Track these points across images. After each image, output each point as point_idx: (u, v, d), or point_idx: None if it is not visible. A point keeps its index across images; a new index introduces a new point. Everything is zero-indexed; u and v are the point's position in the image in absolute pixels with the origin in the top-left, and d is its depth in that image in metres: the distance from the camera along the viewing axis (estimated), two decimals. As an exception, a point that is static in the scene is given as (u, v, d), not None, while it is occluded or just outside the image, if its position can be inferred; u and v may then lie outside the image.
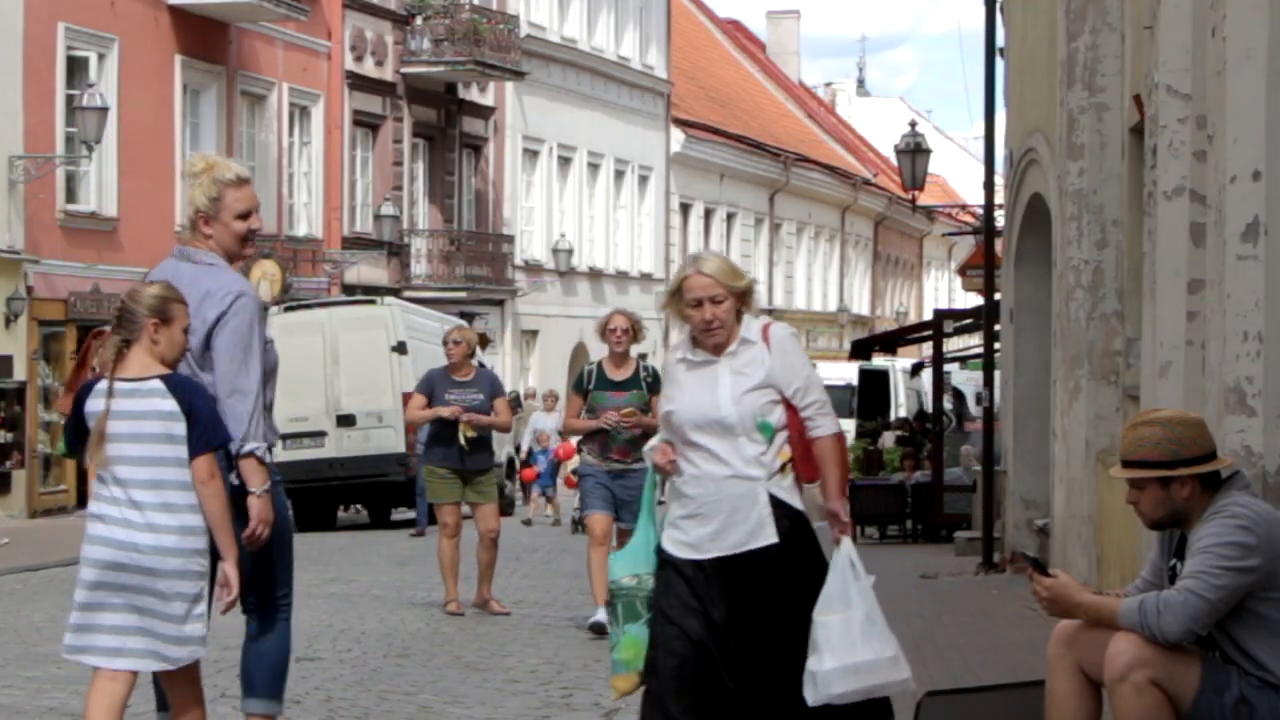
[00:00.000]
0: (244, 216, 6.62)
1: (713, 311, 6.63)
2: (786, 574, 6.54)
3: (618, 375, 12.19)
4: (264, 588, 6.66)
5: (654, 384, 12.15)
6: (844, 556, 6.55)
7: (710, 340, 6.69)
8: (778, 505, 6.59)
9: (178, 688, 6.42)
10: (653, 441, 6.90)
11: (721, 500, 6.57)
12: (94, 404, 6.36)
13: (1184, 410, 7.09)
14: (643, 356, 12.90)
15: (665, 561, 6.63)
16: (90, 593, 6.31)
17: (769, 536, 6.55)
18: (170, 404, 6.27)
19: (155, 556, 6.23)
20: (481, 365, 14.60)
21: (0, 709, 9.13)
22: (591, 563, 12.02)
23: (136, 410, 6.29)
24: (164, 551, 6.24)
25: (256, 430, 6.46)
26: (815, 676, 6.36)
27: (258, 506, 6.43)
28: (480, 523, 13.36)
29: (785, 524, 6.59)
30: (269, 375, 6.61)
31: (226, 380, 6.46)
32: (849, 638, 6.38)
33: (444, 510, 13.42)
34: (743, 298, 6.70)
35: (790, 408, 6.66)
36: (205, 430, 6.29)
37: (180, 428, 6.26)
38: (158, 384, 6.29)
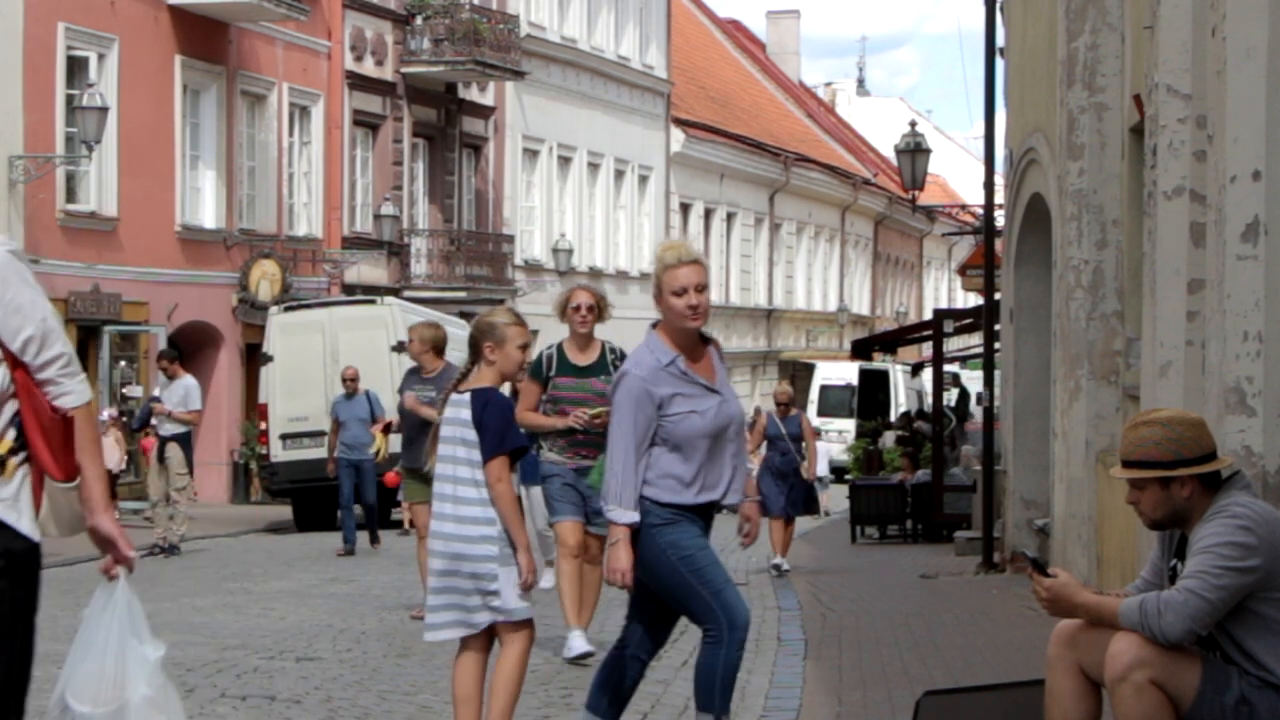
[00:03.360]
0: (679, 294, 7.04)
1: None
2: None
3: (582, 360, 10.51)
4: (688, 614, 7.08)
5: None
6: (121, 603, 4.62)
7: None
8: None
9: (503, 634, 7.21)
10: None
11: None
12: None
13: (1184, 410, 7.09)
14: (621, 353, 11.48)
15: None
16: (434, 578, 7.22)
17: None
18: (468, 414, 7.17)
19: (446, 542, 7.19)
20: (449, 364, 13.89)
21: (0, 709, 9.11)
22: (562, 577, 10.40)
23: (450, 417, 7.26)
24: (449, 538, 7.17)
25: (611, 495, 6.88)
26: None
27: (611, 557, 6.93)
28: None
29: None
30: (669, 443, 6.91)
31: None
32: None
33: (416, 510, 13.37)
34: None
35: (19, 366, 4.50)
36: (491, 439, 7.13)
37: (472, 435, 7.15)
38: (467, 397, 7.21)
